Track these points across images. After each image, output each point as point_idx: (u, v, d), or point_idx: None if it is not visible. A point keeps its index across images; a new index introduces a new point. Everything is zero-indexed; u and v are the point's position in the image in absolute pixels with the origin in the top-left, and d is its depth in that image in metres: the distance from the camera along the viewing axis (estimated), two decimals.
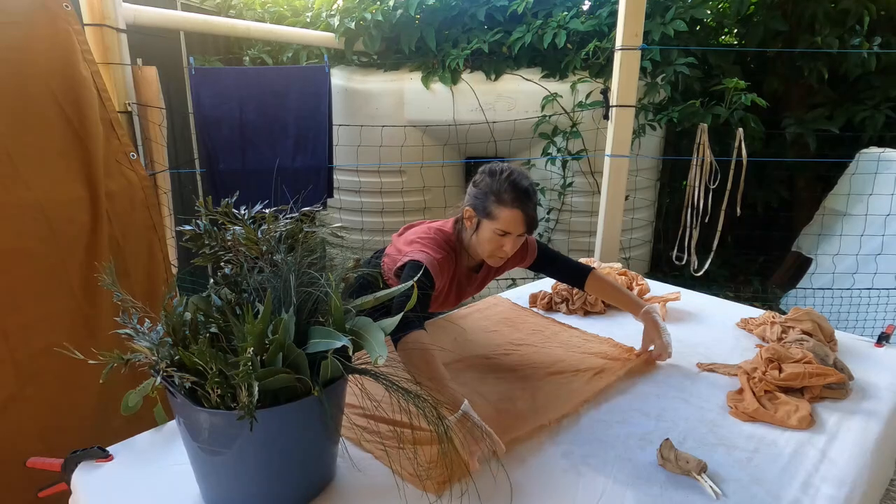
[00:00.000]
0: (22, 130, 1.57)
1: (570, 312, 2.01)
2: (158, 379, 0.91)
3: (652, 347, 1.62)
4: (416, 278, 1.23)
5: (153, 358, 0.91)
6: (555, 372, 1.55)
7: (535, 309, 2.06)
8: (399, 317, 1.03)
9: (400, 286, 1.14)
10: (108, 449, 1.17)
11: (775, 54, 3.95)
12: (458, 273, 1.61)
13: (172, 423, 1.25)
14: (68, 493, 1.14)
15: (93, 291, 1.72)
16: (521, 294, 2.20)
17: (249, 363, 0.83)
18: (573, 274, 1.74)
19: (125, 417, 1.09)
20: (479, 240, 1.50)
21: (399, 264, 1.47)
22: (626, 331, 1.82)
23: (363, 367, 0.98)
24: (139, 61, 2.42)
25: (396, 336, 1.25)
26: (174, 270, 2.26)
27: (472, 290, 1.74)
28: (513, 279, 3.63)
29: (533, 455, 1.19)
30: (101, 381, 0.92)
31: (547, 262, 1.74)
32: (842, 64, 3.63)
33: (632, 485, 1.09)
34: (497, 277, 1.79)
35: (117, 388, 1.13)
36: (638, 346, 1.66)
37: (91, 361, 0.90)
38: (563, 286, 2.06)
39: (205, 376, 0.87)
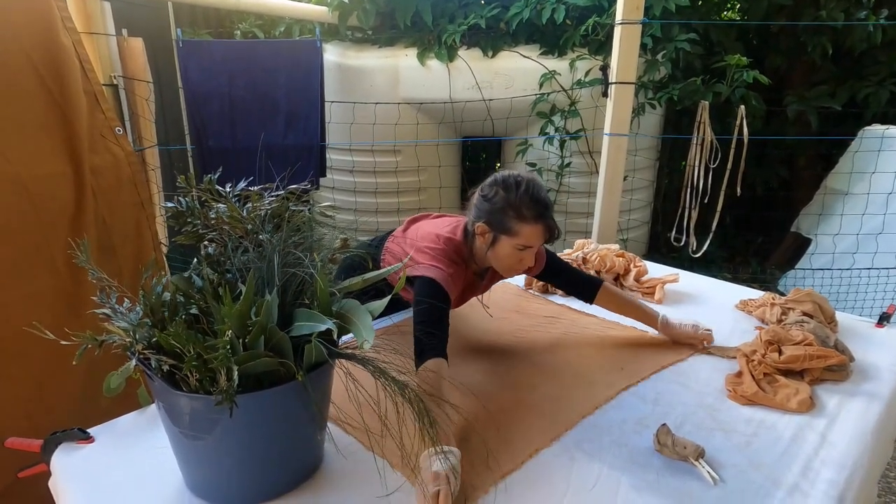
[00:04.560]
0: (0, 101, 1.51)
1: (566, 295, 1.96)
2: (134, 361, 0.87)
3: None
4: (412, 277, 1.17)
5: (128, 339, 0.87)
6: (572, 364, 1.49)
7: (531, 291, 2.02)
8: (387, 299, 1.00)
9: (387, 268, 1.10)
10: (89, 431, 1.14)
11: (778, 30, 3.87)
12: (465, 281, 1.54)
13: (155, 406, 1.22)
14: (48, 474, 1.11)
15: (78, 270, 1.67)
16: (517, 277, 2.15)
17: (228, 346, 0.79)
18: (582, 286, 1.66)
19: (113, 398, 1.06)
20: (497, 255, 1.42)
21: (410, 275, 1.38)
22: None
23: (349, 351, 0.94)
24: (124, 32, 2.35)
25: (419, 361, 1.21)
26: (164, 249, 2.22)
27: (475, 294, 1.68)
28: None
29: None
30: (74, 363, 0.88)
31: (554, 272, 1.65)
32: (846, 39, 3.56)
33: (627, 471, 1.06)
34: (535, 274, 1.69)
35: (104, 368, 1.10)
36: (636, 325, 1.67)
37: (64, 342, 0.86)
38: None
39: (183, 359, 0.83)
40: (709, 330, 1.59)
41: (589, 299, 1.65)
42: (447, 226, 1.53)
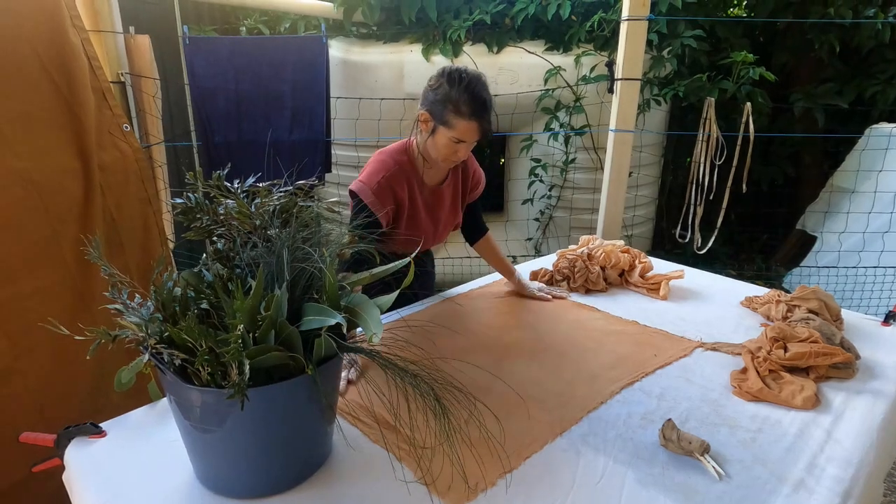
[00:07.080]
0: (8, 96, 1.52)
1: (571, 290, 1.97)
2: (147, 356, 0.88)
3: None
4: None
5: (141, 334, 0.88)
6: (577, 359, 1.50)
7: None
8: (395, 294, 1.00)
9: (394, 263, 1.11)
10: (101, 425, 1.16)
11: (785, 27, 3.86)
12: (418, 188, 1.63)
13: (166, 400, 1.24)
14: (62, 468, 1.13)
15: (87, 265, 1.68)
16: (522, 271, 2.16)
17: (240, 341, 0.80)
18: (473, 227, 1.88)
19: (124, 392, 1.07)
20: (435, 144, 1.53)
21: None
22: (627, 307, 1.81)
23: (358, 345, 0.95)
24: (131, 29, 2.36)
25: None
26: (171, 245, 2.23)
27: (445, 213, 1.74)
28: (513, 256, 3.60)
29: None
30: (87, 357, 0.89)
31: (473, 206, 1.84)
32: (854, 36, 3.54)
33: (632, 465, 1.07)
34: (470, 201, 1.83)
35: (115, 362, 1.11)
36: (640, 320, 1.72)
37: (77, 338, 0.87)
38: (564, 264, 2.02)
39: (195, 353, 0.84)
40: (557, 295, 1.89)
41: (472, 242, 1.91)
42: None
